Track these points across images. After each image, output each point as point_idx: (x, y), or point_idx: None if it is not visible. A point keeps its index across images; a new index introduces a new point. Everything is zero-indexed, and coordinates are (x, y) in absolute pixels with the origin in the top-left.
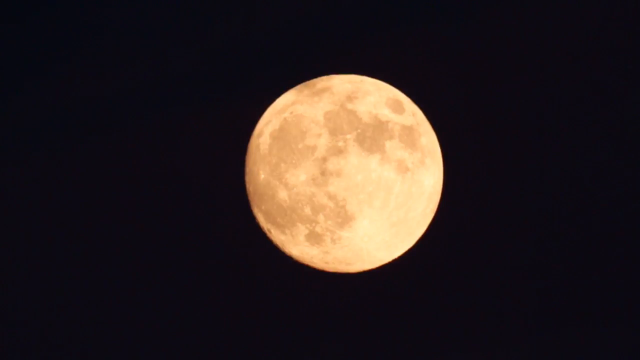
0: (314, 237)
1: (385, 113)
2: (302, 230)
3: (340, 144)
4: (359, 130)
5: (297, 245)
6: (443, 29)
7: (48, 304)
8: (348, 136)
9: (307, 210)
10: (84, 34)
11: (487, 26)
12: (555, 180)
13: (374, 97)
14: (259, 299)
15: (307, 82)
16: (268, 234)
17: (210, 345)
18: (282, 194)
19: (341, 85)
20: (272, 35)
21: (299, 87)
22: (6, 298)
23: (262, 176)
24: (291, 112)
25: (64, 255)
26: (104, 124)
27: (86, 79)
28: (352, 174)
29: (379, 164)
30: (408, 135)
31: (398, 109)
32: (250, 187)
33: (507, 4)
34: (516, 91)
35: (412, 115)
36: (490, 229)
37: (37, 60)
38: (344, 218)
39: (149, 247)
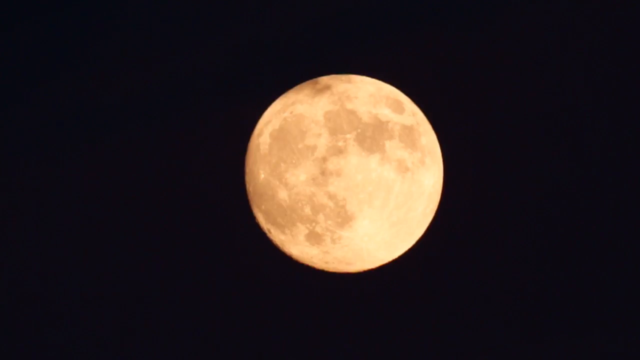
0: (314, 237)
1: (385, 113)
2: (302, 230)
3: (340, 143)
4: (359, 130)
5: (297, 245)
6: (443, 29)
7: (48, 303)
8: (348, 136)
9: (307, 210)
10: (84, 37)
11: (487, 26)
12: (555, 180)
13: (374, 97)
14: (259, 299)
15: (307, 82)
16: (268, 234)
17: (210, 345)
18: (282, 194)
19: (341, 85)
20: (271, 36)
21: (299, 86)
22: (10, 299)
23: (262, 176)
24: (291, 112)
25: (63, 255)
26: (104, 124)
27: (87, 80)
28: (352, 174)
29: (379, 163)
30: (408, 135)
31: (398, 109)
32: (250, 187)
33: (507, 5)
34: (516, 91)
35: (412, 115)
36: (490, 229)
37: (37, 64)
38: (344, 218)
39: (149, 247)
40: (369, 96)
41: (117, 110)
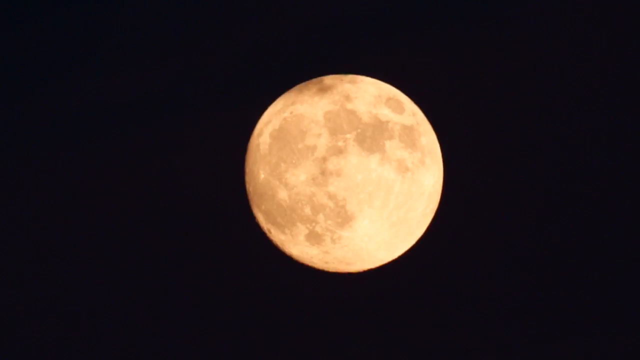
0: (314, 237)
1: (385, 113)
2: (302, 230)
3: (340, 143)
4: (359, 130)
5: (297, 245)
6: (443, 29)
7: (49, 303)
8: (348, 136)
9: (307, 210)
10: (84, 37)
11: (487, 27)
12: (555, 180)
13: (374, 97)
14: (259, 299)
15: (308, 82)
16: (268, 234)
17: (210, 345)
18: (282, 194)
19: (341, 85)
20: (272, 36)
21: (299, 87)
22: (15, 300)
23: (262, 176)
24: (291, 112)
25: (63, 255)
26: (105, 124)
27: (87, 81)
28: (352, 174)
29: (378, 163)
30: (408, 135)
31: (398, 109)
32: (250, 187)
33: (507, 6)
34: (516, 91)
35: (412, 115)
36: (490, 229)
37: (38, 64)
38: (344, 218)
39: (149, 246)
40: (369, 96)
41: (118, 110)
